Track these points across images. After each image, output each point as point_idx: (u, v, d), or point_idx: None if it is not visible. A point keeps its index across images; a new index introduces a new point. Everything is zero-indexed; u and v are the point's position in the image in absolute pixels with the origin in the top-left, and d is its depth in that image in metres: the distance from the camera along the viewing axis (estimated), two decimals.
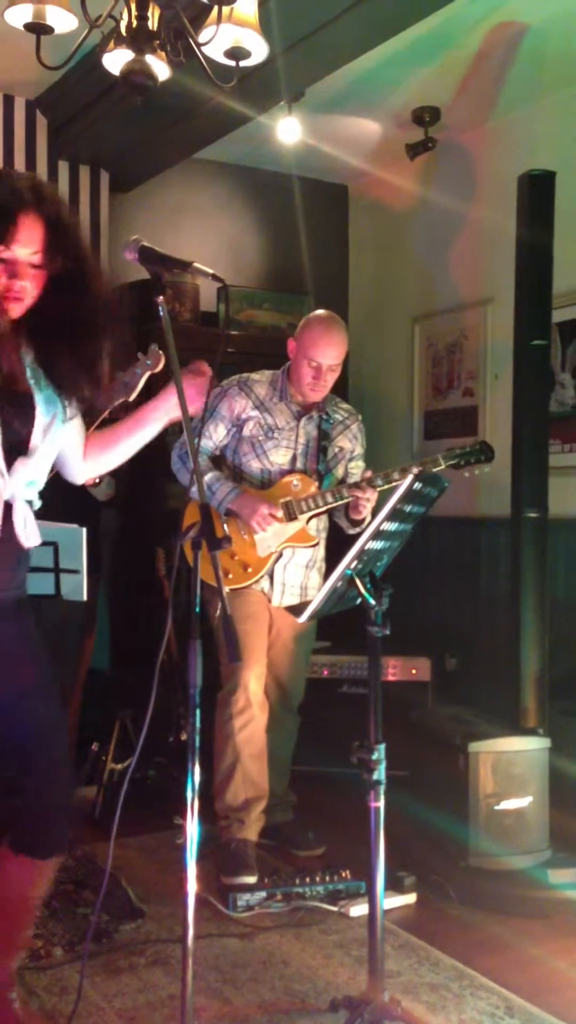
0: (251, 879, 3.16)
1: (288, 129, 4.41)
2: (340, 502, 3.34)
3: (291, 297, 5.07)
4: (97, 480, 3.43)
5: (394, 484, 3.25)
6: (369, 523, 3.33)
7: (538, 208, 3.44)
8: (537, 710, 3.43)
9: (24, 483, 2.03)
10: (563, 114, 4.33)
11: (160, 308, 1.97)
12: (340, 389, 4.51)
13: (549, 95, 4.36)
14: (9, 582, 2.07)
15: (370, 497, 3.29)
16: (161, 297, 1.97)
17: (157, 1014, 2.45)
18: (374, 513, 3.26)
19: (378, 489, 3.29)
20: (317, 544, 3.44)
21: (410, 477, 2.23)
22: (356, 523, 3.39)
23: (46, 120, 4.41)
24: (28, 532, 2.04)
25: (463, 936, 2.92)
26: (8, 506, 2.00)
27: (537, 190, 3.44)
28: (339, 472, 3.50)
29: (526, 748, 3.30)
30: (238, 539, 3.35)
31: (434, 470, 3.27)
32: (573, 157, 4.15)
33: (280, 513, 3.29)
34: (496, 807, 3.22)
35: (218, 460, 3.50)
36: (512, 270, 3.55)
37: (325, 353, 3.34)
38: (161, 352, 2.39)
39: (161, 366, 2.42)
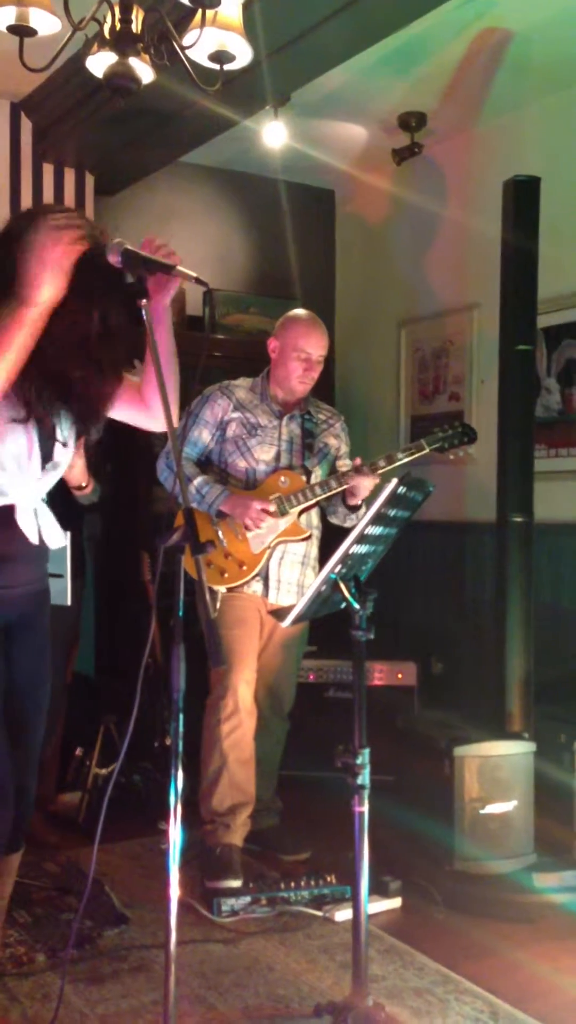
0: (236, 883, 3.15)
1: (274, 133, 4.41)
2: (329, 494, 3.37)
3: (278, 301, 5.06)
4: (83, 485, 3.43)
5: (397, 464, 3.29)
6: (356, 523, 3.36)
7: (523, 214, 3.46)
8: (522, 714, 3.44)
9: (46, 490, 2.19)
10: (548, 120, 4.35)
11: (143, 311, 1.96)
12: (326, 393, 4.52)
13: (534, 101, 4.38)
14: (32, 575, 2.21)
15: (374, 481, 3.31)
16: (145, 300, 1.96)
17: (140, 1020, 2.43)
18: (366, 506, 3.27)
19: (380, 472, 3.31)
20: (310, 538, 3.46)
21: (394, 481, 2.22)
22: (353, 509, 3.40)
23: (31, 123, 4.40)
24: (49, 533, 2.19)
25: (448, 940, 2.92)
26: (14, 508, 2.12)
27: (522, 196, 3.46)
28: (325, 468, 3.52)
29: (511, 752, 3.30)
30: (232, 538, 3.36)
31: (418, 454, 3.32)
32: (558, 163, 4.17)
33: (273, 507, 3.31)
34: (481, 811, 3.22)
35: (204, 466, 3.51)
36: (498, 275, 3.56)
37: (315, 343, 3.42)
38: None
39: None
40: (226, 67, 2.40)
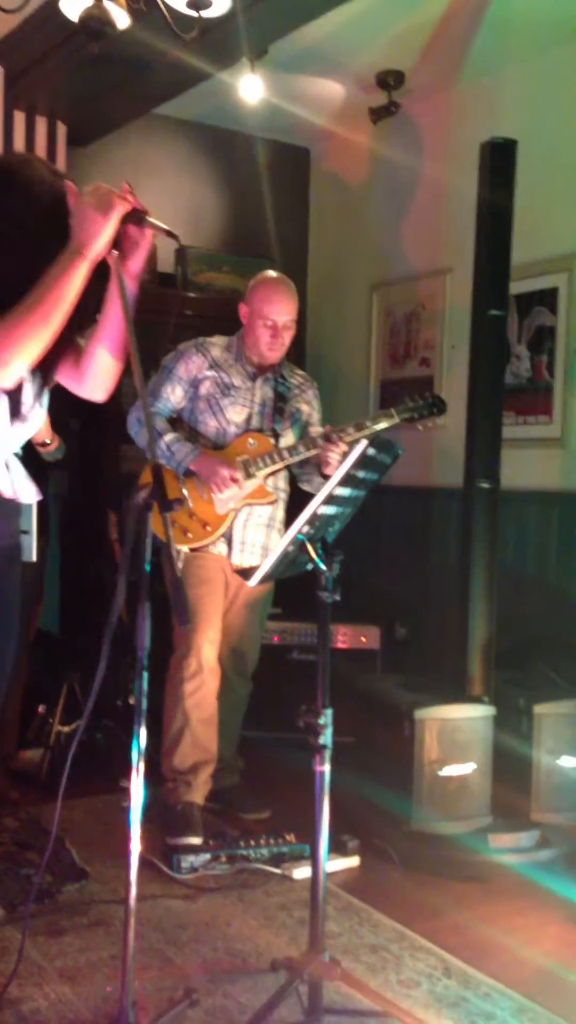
0: (196, 840, 3.18)
1: (250, 87, 4.33)
2: (296, 459, 3.36)
3: (252, 260, 5.00)
4: (47, 441, 3.39)
5: (365, 433, 3.26)
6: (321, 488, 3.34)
7: (499, 176, 3.43)
8: (483, 679, 3.47)
9: (19, 445, 2.10)
10: (527, 83, 4.31)
11: (112, 265, 1.92)
12: (297, 356, 4.49)
13: (514, 64, 4.33)
14: (3, 530, 2.14)
15: (342, 450, 3.27)
16: (116, 252, 1.92)
17: (98, 973, 2.45)
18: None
19: (348, 440, 3.28)
20: (275, 502, 3.45)
21: (364, 443, 2.21)
22: (327, 478, 3.38)
23: (2, 68, 4.28)
24: (21, 488, 2.11)
25: (404, 899, 2.97)
26: None
27: (499, 158, 3.43)
28: (295, 433, 3.50)
29: (470, 716, 3.34)
30: (196, 498, 3.34)
31: (388, 423, 3.30)
32: (536, 128, 4.13)
33: (240, 474, 3.29)
34: (440, 773, 3.26)
35: (175, 423, 3.48)
36: (472, 240, 3.54)
37: (279, 310, 3.36)
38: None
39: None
40: (203, 15, 2.35)
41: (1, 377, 1.86)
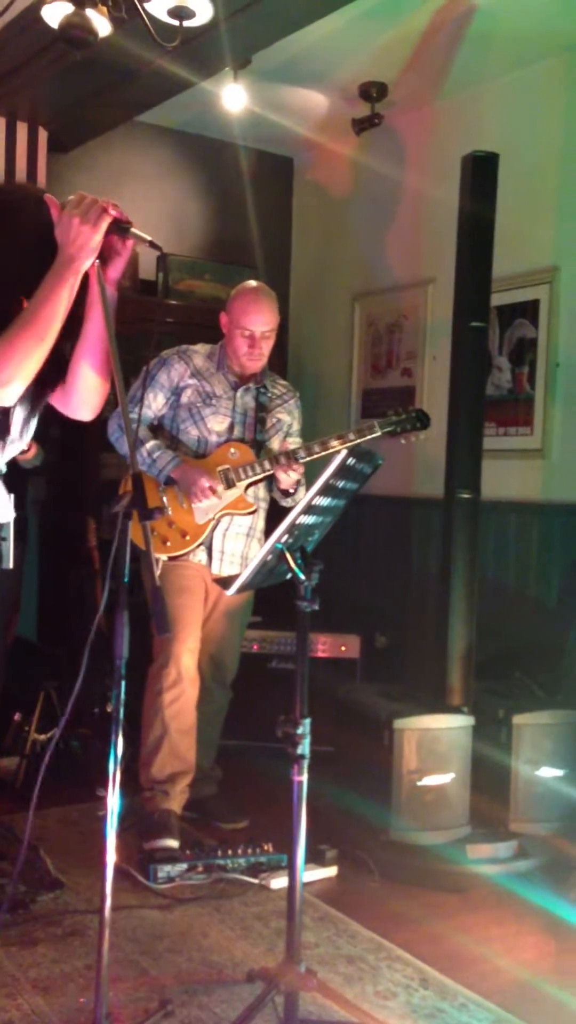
0: (172, 842, 3.17)
1: (233, 96, 4.34)
2: (268, 473, 3.36)
3: (234, 268, 5.00)
4: (25, 449, 3.37)
5: (317, 456, 3.26)
6: (301, 497, 3.36)
7: (481, 189, 3.46)
8: (462, 689, 3.48)
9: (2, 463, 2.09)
10: (509, 97, 4.34)
11: (94, 274, 1.91)
12: (279, 365, 4.49)
13: (495, 78, 4.36)
14: None
15: (292, 472, 3.28)
16: (97, 261, 1.92)
17: (72, 984, 2.43)
18: (308, 485, 3.26)
19: (303, 462, 3.30)
20: (255, 511, 3.45)
21: (343, 452, 2.21)
22: (284, 494, 3.40)
23: None
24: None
25: (381, 909, 2.96)
26: None
27: (480, 171, 3.46)
28: (276, 443, 3.50)
29: (450, 726, 3.34)
30: (176, 507, 3.34)
31: (370, 436, 3.29)
32: (517, 141, 4.16)
33: (220, 487, 3.28)
34: (418, 783, 3.26)
35: (155, 431, 3.47)
36: (453, 251, 3.55)
37: (257, 320, 3.35)
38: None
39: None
40: (185, 24, 2.36)
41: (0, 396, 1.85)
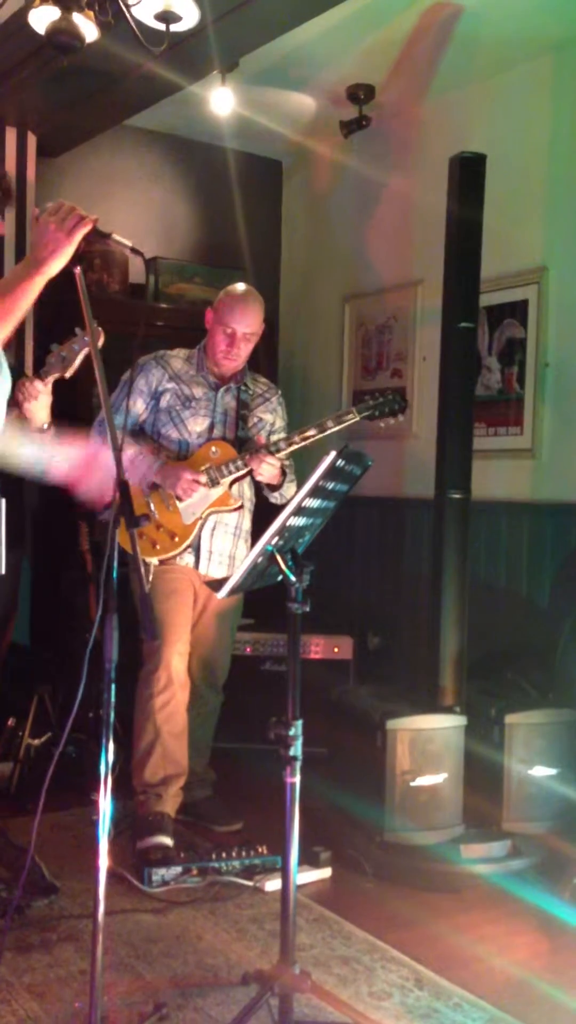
0: (166, 840, 3.17)
1: (221, 100, 4.35)
2: (248, 470, 3.37)
3: (223, 272, 5.00)
4: (45, 427, 3.35)
5: (297, 446, 3.31)
6: (290, 493, 3.38)
7: (469, 190, 3.46)
8: (454, 689, 3.48)
9: None
10: (495, 99, 4.35)
11: (78, 279, 1.93)
12: (269, 366, 4.50)
13: (483, 79, 4.37)
14: None
15: (267, 464, 3.30)
16: (79, 268, 1.93)
17: (67, 989, 2.43)
18: (298, 485, 3.27)
19: (285, 452, 3.33)
20: (241, 507, 3.46)
21: (332, 453, 2.22)
22: (272, 488, 3.42)
23: None
24: None
25: (376, 910, 2.96)
26: None
27: (468, 172, 3.46)
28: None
29: (443, 726, 3.34)
30: (163, 510, 3.35)
31: (349, 421, 3.34)
32: (504, 142, 4.18)
33: (204, 479, 3.30)
34: (412, 784, 3.26)
35: (138, 436, 3.48)
36: (442, 252, 3.56)
37: (241, 320, 3.38)
38: (101, 329, 2.33)
39: (101, 342, 2.36)
40: (172, 28, 2.36)
41: None
